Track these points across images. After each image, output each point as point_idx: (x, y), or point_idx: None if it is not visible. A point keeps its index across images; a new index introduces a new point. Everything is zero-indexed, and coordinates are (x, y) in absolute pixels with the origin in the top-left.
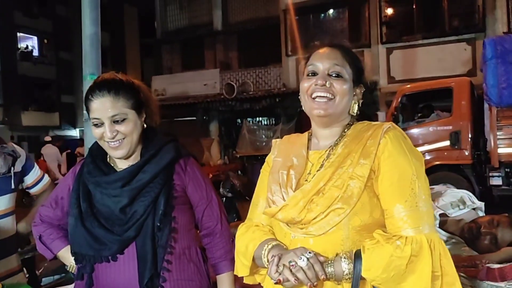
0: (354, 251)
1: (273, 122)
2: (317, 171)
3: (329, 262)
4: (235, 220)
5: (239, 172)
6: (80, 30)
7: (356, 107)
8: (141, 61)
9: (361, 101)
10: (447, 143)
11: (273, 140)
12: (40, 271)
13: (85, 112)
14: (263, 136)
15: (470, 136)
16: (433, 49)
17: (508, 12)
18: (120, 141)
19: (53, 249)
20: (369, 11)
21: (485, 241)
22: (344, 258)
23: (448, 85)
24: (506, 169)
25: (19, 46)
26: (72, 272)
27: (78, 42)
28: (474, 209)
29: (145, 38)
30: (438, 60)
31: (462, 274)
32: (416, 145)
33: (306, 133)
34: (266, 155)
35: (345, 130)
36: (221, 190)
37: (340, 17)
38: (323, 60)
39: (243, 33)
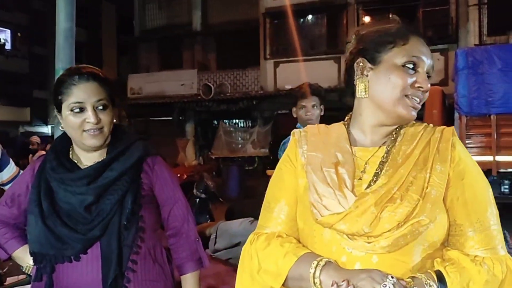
0: (434, 273)
1: (250, 124)
2: (376, 172)
3: (411, 286)
4: (208, 221)
5: (214, 173)
6: (56, 24)
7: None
8: (118, 58)
9: None
10: None
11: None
12: (4, 270)
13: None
14: (239, 138)
15: None
16: None
17: (480, 25)
18: (100, 130)
19: (7, 249)
20: (347, 18)
21: None
22: (427, 282)
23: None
24: None
25: None
26: (29, 273)
27: (53, 37)
28: None
29: (123, 35)
30: None
31: None
32: None
33: (340, 124)
34: (242, 157)
35: (397, 128)
36: (194, 191)
37: (318, 23)
38: (425, 58)
39: (222, 34)
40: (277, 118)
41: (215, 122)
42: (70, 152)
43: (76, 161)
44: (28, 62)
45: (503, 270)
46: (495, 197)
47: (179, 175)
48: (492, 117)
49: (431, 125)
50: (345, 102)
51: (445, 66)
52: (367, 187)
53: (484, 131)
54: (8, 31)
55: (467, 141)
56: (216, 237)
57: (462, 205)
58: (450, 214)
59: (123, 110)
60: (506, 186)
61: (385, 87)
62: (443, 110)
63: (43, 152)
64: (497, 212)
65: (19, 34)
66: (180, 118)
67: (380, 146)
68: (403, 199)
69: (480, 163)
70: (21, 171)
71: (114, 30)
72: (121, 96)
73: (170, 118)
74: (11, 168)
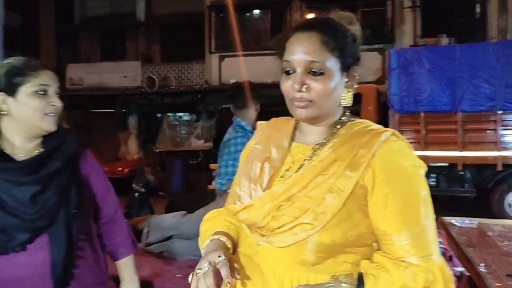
0: (356, 275)
1: (194, 118)
2: (296, 171)
3: (327, 285)
4: (149, 215)
5: (158, 167)
6: None
7: (349, 97)
8: (57, 47)
9: (356, 86)
10: None
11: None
12: None
13: None
14: (184, 132)
15: None
16: None
17: (414, 27)
18: (55, 115)
19: None
20: (291, 15)
21: None
22: (345, 283)
23: (357, 91)
24: None
25: None
26: None
27: None
28: None
29: (62, 23)
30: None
31: None
32: None
33: (293, 119)
34: (186, 151)
35: (338, 127)
36: (134, 185)
37: (263, 18)
38: (298, 55)
39: (167, 26)
40: (221, 113)
41: (159, 115)
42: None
43: (9, 154)
44: None
45: (428, 278)
46: None
47: (120, 168)
48: (420, 114)
49: (377, 127)
50: None
51: (382, 65)
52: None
53: (414, 127)
54: None
55: None
56: (148, 231)
57: (389, 215)
58: (375, 223)
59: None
60: (433, 179)
61: None
62: (378, 107)
63: None
64: (432, 216)
65: None
66: (123, 110)
67: (316, 145)
68: (296, 202)
69: None
70: None
71: (53, 16)
72: (59, 87)
73: (113, 110)
74: None
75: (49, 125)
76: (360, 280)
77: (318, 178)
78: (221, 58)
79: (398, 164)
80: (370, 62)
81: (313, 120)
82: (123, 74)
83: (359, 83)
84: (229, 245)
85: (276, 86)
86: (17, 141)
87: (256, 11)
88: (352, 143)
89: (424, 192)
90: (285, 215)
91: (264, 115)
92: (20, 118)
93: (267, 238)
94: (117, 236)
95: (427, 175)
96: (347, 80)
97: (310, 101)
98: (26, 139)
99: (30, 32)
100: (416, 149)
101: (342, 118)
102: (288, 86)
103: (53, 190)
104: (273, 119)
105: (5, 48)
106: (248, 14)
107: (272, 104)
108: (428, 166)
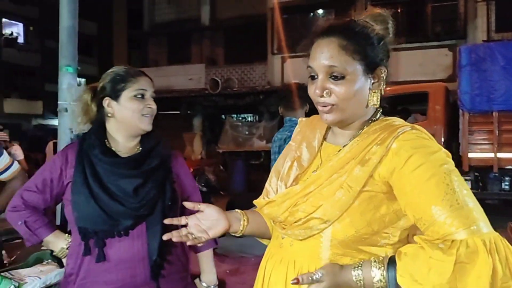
0: (388, 257)
1: (256, 119)
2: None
3: (357, 265)
4: None
5: (221, 167)
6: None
7: (375, 98)
8: (129, 52)
9: (384, 86)
10: None
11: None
12: (12, 258)
13: (60, 102)
14: (246, 133)
15: (443, 140)
16: (415, 54)
17: (488, 21)
18: (152, 117)
19: (39, 235)
20: (355, 13)
21: None
22: (375, 262)
23: (424, 89)
24: (476, 173)
25: (3, 32)
26: (62, 256)
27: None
28: None
29: (133, 30)
30: (419, 65)
31: None
32: None
33: None
34: (248, 151)
35: (364, 127)
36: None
37: (326, 18)
38: (318, 61)
39: (230, 29)
40: None
41: (223, 116)
42: (106, 142)
43: (113, 149)
44: (40, 55)
45: (463, 252)
46: (496, 194)
47: None
48: (494, 114)
49: (398, 122)
50: None
51: (453, 62)
52: None
53: (486, 127)
54: (21, 25)
55: (469, 138)
56: None
57: (419, 197)
58: (411, 211)
59: None
60: (507, 183)
61: None
62: (446, 107)
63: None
64: (468, 189)
65: (31, 28)
66: (188, 112)
67: (343, 147)
68: (310, 198)
69: (481, 160)
70: (15, 162)
71: (125, 24)
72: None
73: (178, 112)
74: (4, 160)
75: (146, 125)
76: (393, 260)
77: (333, 176)
78: (284, 59)
79: (415, 146)
80: (439, 59)
81: (340, 123)
82: (188, 77)
83: (427, 81)
84: (244, 219)
85: None
86: (120, 139)
87: (320, 11)
88: (368, 141)
89: (451, 166)
90: (299, 210)
91: None
92: (122, 119)
93: (286, 231)
94: None
95: (500, 179)
96: (373, 81)
97: (333, 105)
98: (127, 138)
99: (105, 39)
100: (487, 151)
101: (373, 119)
102: (312, 91)
103: (152, 184)
104: (313, 116)
105: (82, 54)
106: (311, 14)
107: None
108: (501, 169)
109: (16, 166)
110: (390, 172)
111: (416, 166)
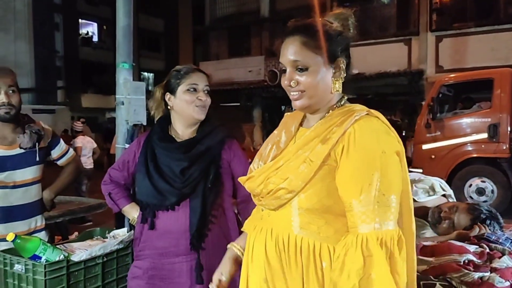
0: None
1: None
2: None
3: None
4: None
5: None
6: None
7: (337, 85)
8: (193, 47)
9: (344, 75)
10: (485, 135)
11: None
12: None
13: (117, 96)
14: None
15: (509, 129)
16: (486, 38)
17: None
18: (205, 108)
19: (119, 205)
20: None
21: (444, 225)
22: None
23: (489, 76)
24: None
25: (80, 32)
26: (133, 224)
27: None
28: (445, 196)
29: (197, 25)
30: (491, 49)
31: None
32: (453, 137)
33: None
34: None
35: (330, 111)
36: None
37: (388, 4)
38: (285, 56)
39: (289, 20)
40: None
41: (283, 107)
42: (169, 129)
43: (174, 136)
44: (113, 53)
45: (363, 254)
46: None
47: None
48: None
49: (358, 108)
50: (414, 86)
51: None
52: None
53: None
54: (95, 24)
55: None
56: None
57: (347, 184)
58: (340, 193)
59: None
60: None
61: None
62: None
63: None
64: (388, 190)
65: (104, 27)
66: (248, 103)
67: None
68: (279, 172)
69: None
70: (70, 149)
71: (190, 19)
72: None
73: (238, 104)
74: (61, 147)
75: (198, 115)
76: None
77: (298, 152)
78: None
79: (363, 137)
80: (509, 44)
81: (309, 108)
82: (248, 69)
83: (492, 67)
84: (240, 254)
85: (400, 74)
86: (179, 128)
87: None
88: (330, 123)
89: (390, 160)
90: (271, 183)
91: (386, 105)
92: (179, 110)
93: (261, 202)
94: (250, 213)
95: None
96: (334, 71)
97: (302, 91)
98: (185, 126)
99: (171, 35)
100: None
101: (338, 105)
102: (283, 82)
103: (197, 167)
104: (296, 111)
105: (150, 50)
106: (373, 1)
107: (397, 93)
108: None
109: (71, 153)
110: (340, 152)
111: (356, 155)
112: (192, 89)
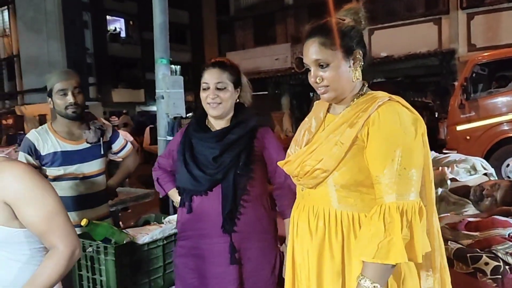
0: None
1: None
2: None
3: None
4: None
5: None
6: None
7: (357, 73)
8: (218, 38)
9: (362, 63)
10: None
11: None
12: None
13: (157, 90)
14: None
15: None
16: None
17: None
18: (218, 104)
19: (165, 189)
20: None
21: (486, 202)
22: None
23: None
24: None
25: (108, 29)
26: (177, 206)
27: None
28: (486, 174)
29: (221, 15)
30: None
31: (446, 226)
32: (488, 116)
33: None
34: None
35: (354, 100)
36: None
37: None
38: (308, 57)
39: (314, 5)
40: (372, 87)
41: (311, 94)
42: (206, 120)
43: (209, 126)
44: (140, 47)
45: (385, 220)
46: None
47: None
48: None
49: (380, 95)
50: (446, 66)
51: None
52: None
53: None
54: (122, 20)
55: None
56: None
57: (374, 159)
58: (369, 167)
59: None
60: None
61: None
62: None
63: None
64: (409, 165)
65: (131, 22)
66: (276, 92)
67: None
68: (314, 154)
69: None
70: (128, 142)
71: (213, 10)
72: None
73: (266, 92)
74: (120, 141)
75: (211, 111)
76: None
77: (329, 136)
78: (371, 32)
79: (386, 119)
80: None
81: (335, 99)
82: (274, 57)
83: None
84: None
85: (431, 55)
86: (212, 120)
87: None
88: (356, 109)
89: (404, 143)
90: (307, 165)
91: (417, 86)
92: (202, 106)
93: (300, 182)
94: (284, 199)
95: None
96: (353, 62)
97: (327, 86)
98: (214, 119)
99: (196, 27)
100: None
101: (360, 92)
102: (310, 80)
103: (228, 155)
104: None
105: (176, 43)
106: None
107: (428, 74)
108: None
109: (129, 146)
110: (366, 134)
111: (380, 135)
112: (204, 88)
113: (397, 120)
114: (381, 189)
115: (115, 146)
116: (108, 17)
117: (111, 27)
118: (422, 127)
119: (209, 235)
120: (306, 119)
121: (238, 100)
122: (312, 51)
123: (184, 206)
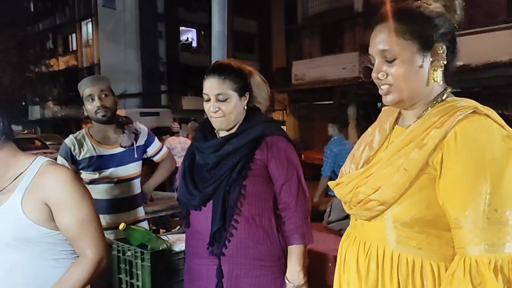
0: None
1: None
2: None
3: None
4: None
5: None
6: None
7: (436, 75)
8: (286, 46)
9: (443, 63)
10: None
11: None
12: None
13: None
14: None
15: None
16: None
17: None
18: (220, 117)
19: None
20: None
21: None
22: None
23: None
24: None
25: (181, 39)
26: None
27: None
28: None
29: (290, 24)
30: None
31: None
32: None
33: None
34: None
35: (429, 108)
36: None
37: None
38: (373, 47)
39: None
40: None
41: (378, 104)
42: (215, 130)
43: (217, 134)
44: (209, 56)
45: (475, 277)
46: None
47: None
48: None
49: (463, 103)
50: None
51: None
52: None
53: None
54: (194, 30)
55: None
56: (330, 211)
57: (451, 197)
58: (444, 206)
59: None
60: None
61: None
62: None
63: None
64: (502, 205)
65: (202, 32)
66: (342, 101)
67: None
68: (370, 180)
69: None
70: (164, 146)
71: (282, 19)
72: (286, 83)
73: (331, 102)
74: (156, 145)
75: (214, 123)
76: None
77: (392, 158)
78: None
79: (467, 142)
80: None
81: (400, 104)
82: (341, 66)
83: None
84: None
85: None
86: (220, 131)
87: None
88: (428, 123)
89: (492, 174)
90: (360, 192)
91: (496, 98)
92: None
93: (352, 211)
94: (289, 223)
95: None
96: (431, 59)
97: (390, 85)
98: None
99: (264, 36)
100: None
101: (438, 99)
102: (372, 75)
103: (221, 167)
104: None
105: (243, 52)
106: None
107: (510, 85)
108: None
109: (165, 149)
110: (440, 161)
111: (459, 164)
112: (206, 99)
113: (482, 142)
114: (462, 235)
115: (150, 150)
116: (181, 27)
117: (183, 37)
118: None
119: (199, 255)
120: (369, 129)
121: (245, 107)
122: (380, 38)
123: (183, 219)
